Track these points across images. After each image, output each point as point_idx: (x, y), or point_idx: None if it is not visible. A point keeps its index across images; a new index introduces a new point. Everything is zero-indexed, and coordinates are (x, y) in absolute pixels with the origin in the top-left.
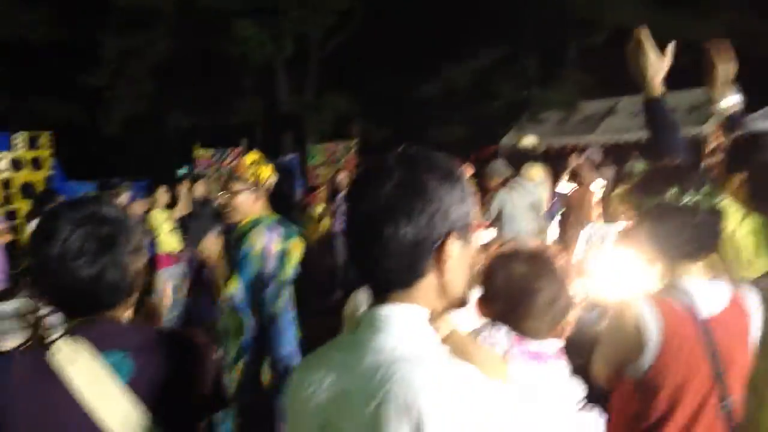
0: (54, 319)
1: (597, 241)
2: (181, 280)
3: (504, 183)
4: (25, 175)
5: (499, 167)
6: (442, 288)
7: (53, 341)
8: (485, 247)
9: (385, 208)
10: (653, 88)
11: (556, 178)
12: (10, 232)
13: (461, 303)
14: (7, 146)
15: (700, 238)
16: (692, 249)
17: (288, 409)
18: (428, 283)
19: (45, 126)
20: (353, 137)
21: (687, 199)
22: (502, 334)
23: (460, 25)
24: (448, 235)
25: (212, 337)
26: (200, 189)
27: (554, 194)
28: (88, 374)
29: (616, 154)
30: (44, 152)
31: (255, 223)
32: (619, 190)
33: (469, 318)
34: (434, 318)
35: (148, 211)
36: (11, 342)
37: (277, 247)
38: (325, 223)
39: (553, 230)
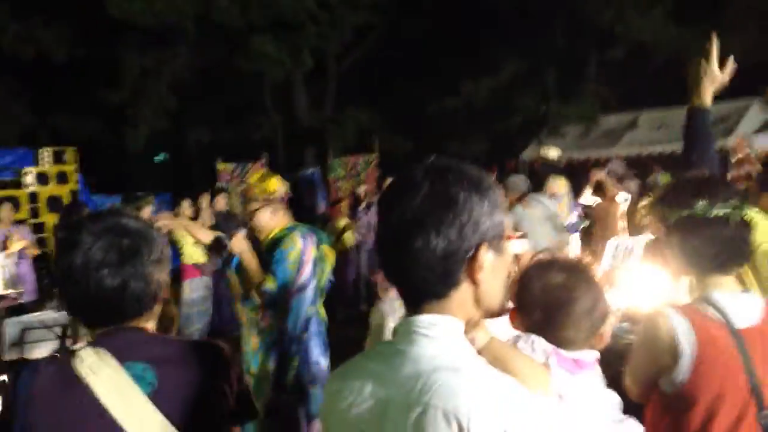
0: (79, 331)
1: (623, 253)
2: (206, 291)
3: (521, 198)
4: (51, 189)
5: (517, 182)
6: (476, 298)
7: (77, 351)
8: (518, 257)
9: (415, 220)
10: (703, 98)
11: (577, 191)
12: (37, 245)
13: (497, 313)
14: (33, 161)
15: (730, 251)
16: (723, 261)
17: (325, 420)
18: (462, 293)
19: (69, 142)
20: (373, 151)
21: (716, 211)
22: (539, 344)
23: (480, 39)
24: (479, 246)
25: (236, 348)
26: (221, 203)
27: (575, 207)
28: (110, 385)
29: (638, 168)
30: (70, 167)
31: (288, 231)
32: (645, 203)
33: (498, 328)
34: (471, 327)
35: None
36: (41, 351)
37: (312, 253)
38: (348, 236)
39: (575, 244)
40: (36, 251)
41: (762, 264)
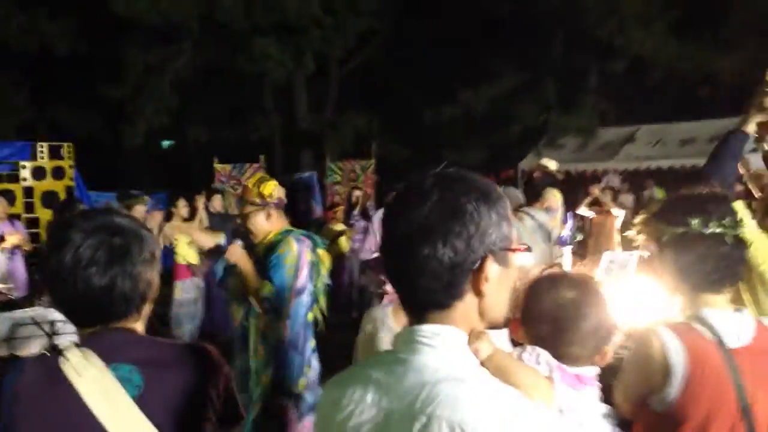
0: (68, 328)
1: (617, 268)
2: (197, 293)
3: (515, 210)
4: (47, 184)
5: (512, 193)
6: (481, 310)
7: (63, 351)
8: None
9: (422, 229)
10: (749, 123)
11: (574, 203)
12: (30, 241)
13: (499, 325)
14: (29, 155)
15: (724, 269)
16: (716, 280)
17: (322, 427)
18: (466, 304)
19: (67, 137)
20: (371, 157)
21: (711, 229)
22: (544, 357)
23: (480, 48)
24: (485, 257)
25: (226, 350)
26: (217, 203)
27: (568, 220)
28: (95, 386)
29: (633, 182)
30: (66, 162)
31: (283, 235)
32: (639, 218)
33: (497, 339)
34: (474, 338)
35: (167, 221)
36: (32, 347)
37: (308, 257)
38: (343, 241)
39: (567, 258)
40: (29, 247)
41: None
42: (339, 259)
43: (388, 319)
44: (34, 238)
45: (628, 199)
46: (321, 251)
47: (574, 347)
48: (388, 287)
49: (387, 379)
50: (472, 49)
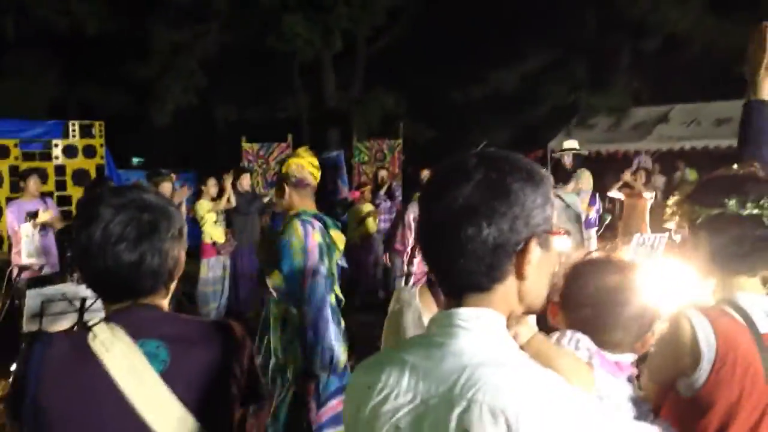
0: (98, 305)
1: (646, 250)
2: (223, 271)
3: None
4: (78, 163)
5: None
6: (520, 293)
7: (92, 326)
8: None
9: (466, 208)
10: (760, 89)
11: (604, 184)
12: (62, 218)
13: (536, 310)
14: (61, 134)
15: (760, 252)
16: (752, 263)
17: (354, 413)
18: (507, 287)
19: (96, 116)
20: (398, 137)
21: (749, 210)
22: (584, 343)
23: (511, 26)
24: (529, 239)
25: (250, 328)
26: (245, 182)
27: (596, 202)
28: (123, 361)
29: (666, 163)
30: (97, 141)
31: (290, 218)
32: (673, 199)
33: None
34: (514, 322)
35: (196, 200)
36: (61, 323)
37: (317, 240)
38: (371, 221)
39: (593, 240)
40: (60, 225)
41: None
42: (366, 240)
43: (414, 300)
44: (65, 215)
45: (659, 180)
46: (334, 233)
47: (616, 333)
48: (414, 268)
49: (424, 363)
50: (502, 28)
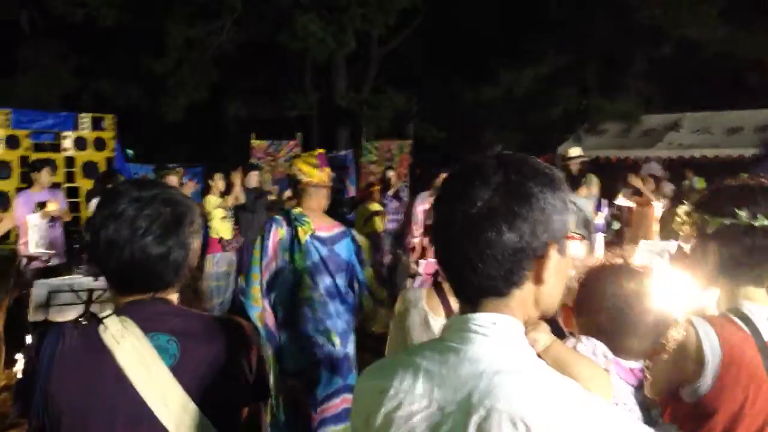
0: (104, 297)
1: (653, 258)
2: (228, 267)
3: None
4: (88, 155)
5: None
6: (537, 299)
7: (103, 318)
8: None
9: (487, 211)
10: None
11: (613, 191)
12: (70, 210)
13: (550, 315)
14: (72, 126)
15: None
16: (759, 273)
17: (363, 418)
18: (524, 293)
19: (109, 108)
20: (408, 137)
21: (760, 221)
22: (600, 349)
23: (523, 29)
24: (549, 244)
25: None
26: (253, 179)
27: (604, 208)
28: (133, 354)
29: (675, 170)
30: (108, 134)
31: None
32: (682, 208)
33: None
34: (532, 328)
35: (204, 196)
36: (67, 314)
37: (279, 235)
38: (378, 221)
39: (600, 245)
40: (68, 217)
41: None
42: (372, 239)
43: (420, 302)
44: (74, 207)
45: (668, 187)
46: (300, 228)
47: (632, 340)
48: (421, 269)
49: (439, 368)
50: (514, 30)
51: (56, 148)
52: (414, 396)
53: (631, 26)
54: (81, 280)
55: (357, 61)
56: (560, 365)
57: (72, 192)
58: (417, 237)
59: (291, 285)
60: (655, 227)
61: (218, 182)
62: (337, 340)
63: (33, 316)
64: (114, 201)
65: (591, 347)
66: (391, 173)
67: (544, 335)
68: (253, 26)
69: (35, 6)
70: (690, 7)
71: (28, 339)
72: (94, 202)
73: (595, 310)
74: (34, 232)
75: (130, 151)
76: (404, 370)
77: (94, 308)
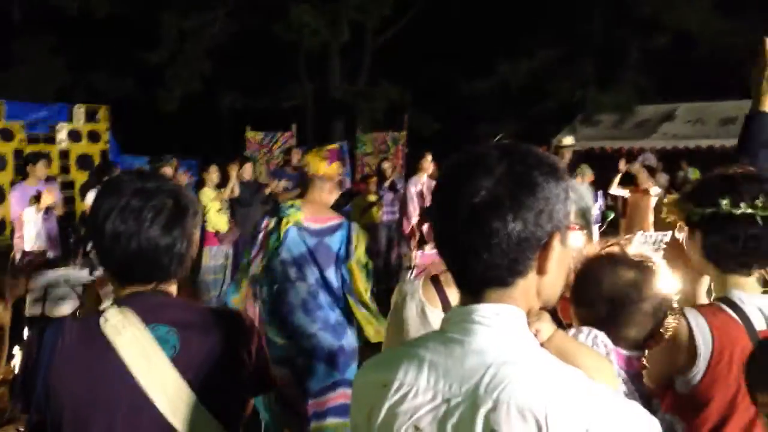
0: (106, 289)
1: (650, 248)
2: (224, 260)
3: None
4: (82, 147)
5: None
6: (539, 289)
7: (104, 310)
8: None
9: (492, 200)
10: (761, 102)
11: (607, 182)
12: (65, 203)
13: (551, 305)
14: (66, 118)
15: (753, 250)
16: (746, 261)
17: (365, 412)
18: (527, 283)
19: (103, 100)
20: (403, 129)
21: (742, 209)
22: (601, 339)
23: (518, 20)
24: (552, 234)
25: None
26: (248, 172)
27: (598, 198)
28: (134, 345)
29: (669, 161)
30: (102, 126)
31: None
32: (670, 198)
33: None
34: (535, 319)
35: (198, 189)
36: (63, 308)
37: (269, 227)
38: (375, 212)
39: (595, 236)
40: (63, 209)
41: None
42: (370, 230)
43: (417, 293)
44: (69, 200)
45: (663, 178)
46: (284, 219)
47: (631, 330)
48: (419, 260)
49: (443, 360)
50: (510, 21)
51: (50, 140)
52: (419, 389)
53: (626, 18)
54: (76, 273)
55: (351, 53)
56: (564, 355)
57: (67, 185)
58: (414, 219)
59: (278, 275)
60: (651, 218)
61: (212, 175)
62: (328, 332)
63: (30, 311)
64: (118, 192)
65: (591, 337)
66: (386, 165)
67: (547, 325)
68: (246, 17)
69: None
70: None
71: (26, 333)
72: (91, 194)
73: (593, 300)
74: (30, 227)
75: None
76: (408, 363)
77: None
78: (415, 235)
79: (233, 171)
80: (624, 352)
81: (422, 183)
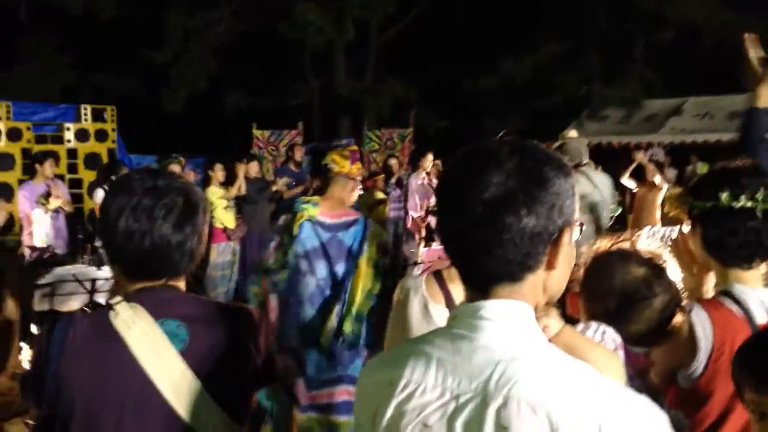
0: (108, 286)
1: (657, 243)
2: (232, 256)
3: (576, 167)
4: (90, 146)
5: (579, 147)
6: (546, 284)
7: (113, 305)
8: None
9: (505, 195)
10: (756, 97)
11: (615, 177)
12: (73, 201)
13: (554, 301)
14: (73, 118)
15: (753, 244)
16: (746, 254)
17: (371, 410)
18: (536, 278)
19: (109, 100)
20: (409, 125)
21: (741, 203)
22: (609, 334)
23: (523, 15)
24: (563, 229)
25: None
26: (254, 169)
27: None
28: (144, 339)
29: (678, 156)
30: (109, 125)
31: None
32: (672, 192)
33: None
34: (543, 314)
35: (204, 187)
36: (71, 304)
37: (283, 223)
38: (382, 209)
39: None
40: (71, 207)
41: None
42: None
43: (420, 289)
44: (76, 198)
45: (671, 173)
46: (298, 213)
47: (641, 326)
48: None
49: (451, 357)
50: (515, 17)
51: (58, 139)
52: (426, 386)
53: (632, 12)
54: (84, 269)
55: (357, 50)
56: (572, 351)
57: (75, 183)
58: (416, 213)
59: (291, 268)
60: (658, 213)
61: (218, 173)
62: (333, 325)
63: (38, 306)
64: (129, 191)
65: (600, 332)
66: (393, 161)
67: (555, 321)
68: (251, 16)
69: None
70: None
71: (33, 329)
72: (100, 192)
73: (603, 295)
74: (39, 227)
75: None
76: (415, 360)
77: (97, 297)
78: (420, 231)
79: (241, 170)
80: (632, 348)
81: (422, 178)
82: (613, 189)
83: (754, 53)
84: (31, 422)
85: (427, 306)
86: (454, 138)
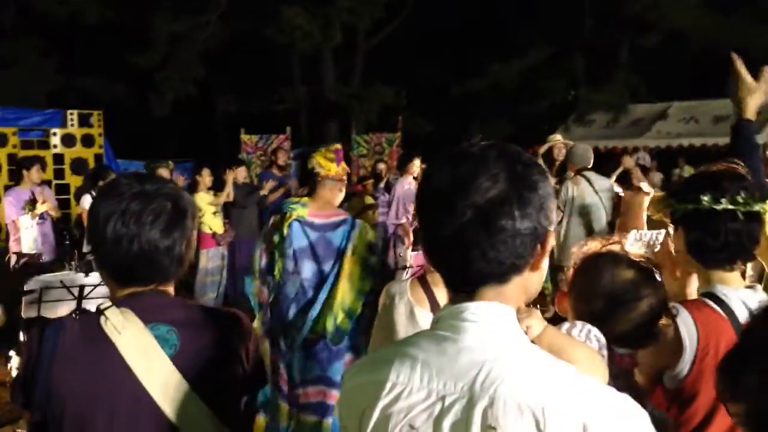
0: (96, 292)
1: (642, 247)
2: (221, 261)
3: (580, 171)
4: (76, 152)
5: (584, 154)
6: (527, 285)
7: (103, 310)
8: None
9: (498, 199)
10: (744, 110)
11: None
12: (59, 207)
13: (530, 301)
14: (60, 123)
15: (735, 246)
16: (727, 256)
17: (357, 414)
18: (522, 279)
19: (95, 105)
20: (397, 130)
21: (723, 205)
22: (594, 334)
23: (510, 20)
24: (548, 231)
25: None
26: (242, 174)
27: None
28: (135, 344)
29: (664, 160)
30: (95, 130)
31: None
32: (655, 196)
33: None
34: (525, 315)
35: (192, 191)
36: (59, 310)
37: (272, 225)
38: (370, 214)
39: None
40: (58, 213)
41: None
42: None
43: (406, 294)
44: (63, 204)
45: (657, 177)
46: (287, 214)
47: (627, 327)
48: (413, 260)
49: (436, 359)
50: (501, 22)
51: (44, 145)
52: (412, 388)
53: (617, 17)
54: (72, 275)
55: (345, 55)
56: (555, 351)
57: (61, 189)
58: (402, 219)
59: (279, 268)
60: (644, 216)
61: (205, 178)
62: (310, 325)
63: (26, 313)
64: (117, 196)
65: (585, 332)
66: (381, 166)
67: (537, 321)
68: (239, 20)
69: (18, 3)
70: None
71: (21, 336)
72: (87, 198)
73: (591, 296)
74: (26, 233)
75: None
76: (400, 363)
77: (85, 304)
78: (408, 236)
79: (229, 176)
80: (616, 348)
81: (408, 183)
82: (613, 193)
83: (742, 68)
84: (20, 431)
85: (412, 310)
86: (443, 142)
